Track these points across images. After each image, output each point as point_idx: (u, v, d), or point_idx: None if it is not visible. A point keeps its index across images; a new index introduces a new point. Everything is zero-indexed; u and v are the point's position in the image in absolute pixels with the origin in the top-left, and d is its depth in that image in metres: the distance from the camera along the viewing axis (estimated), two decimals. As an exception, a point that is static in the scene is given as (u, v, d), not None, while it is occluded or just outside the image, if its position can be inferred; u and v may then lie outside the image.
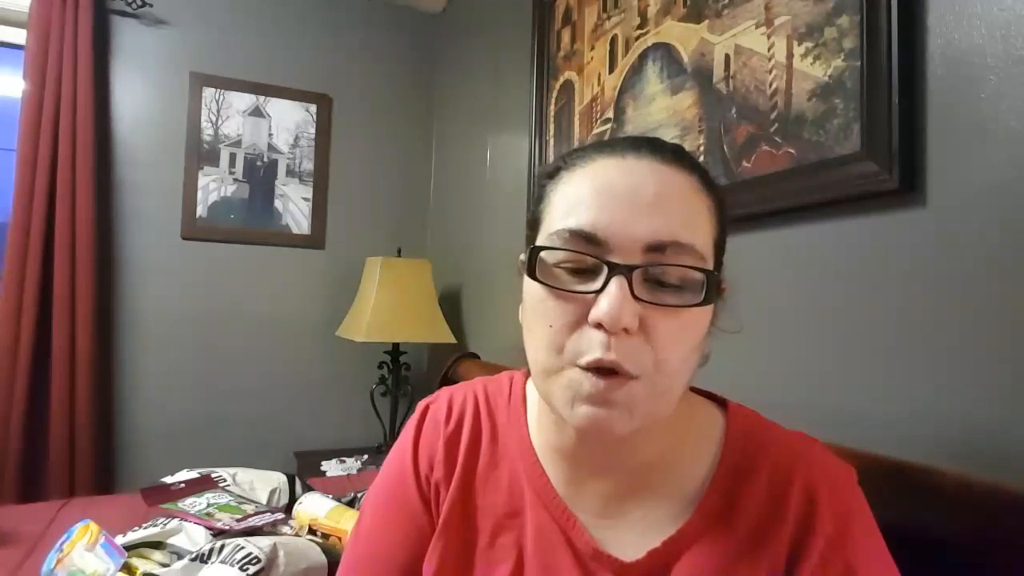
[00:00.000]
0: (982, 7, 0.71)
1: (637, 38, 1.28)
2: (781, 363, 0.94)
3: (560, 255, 0.44)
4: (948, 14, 0.74)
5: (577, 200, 0.45)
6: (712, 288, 0.43)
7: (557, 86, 1.59)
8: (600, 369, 0.41)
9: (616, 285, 0.41)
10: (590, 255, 0.43)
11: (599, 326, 0.41)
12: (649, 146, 0.47)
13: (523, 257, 0.50)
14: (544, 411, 0.53)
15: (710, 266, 0.45)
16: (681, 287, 0.43)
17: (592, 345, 0.42)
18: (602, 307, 0.41)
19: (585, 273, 0.43)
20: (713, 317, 0.47)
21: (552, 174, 0.49)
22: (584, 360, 0.42)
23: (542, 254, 0.45)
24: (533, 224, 0.50)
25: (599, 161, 0.46)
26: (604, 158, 0.46)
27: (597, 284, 0.42)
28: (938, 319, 0.74)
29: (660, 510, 0.49)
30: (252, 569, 0.87)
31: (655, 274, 0.43)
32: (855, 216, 0.85)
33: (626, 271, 0.41)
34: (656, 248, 0.42)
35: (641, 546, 0.47)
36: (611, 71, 1.37)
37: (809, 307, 0.91)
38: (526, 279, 0.47)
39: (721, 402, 0.55)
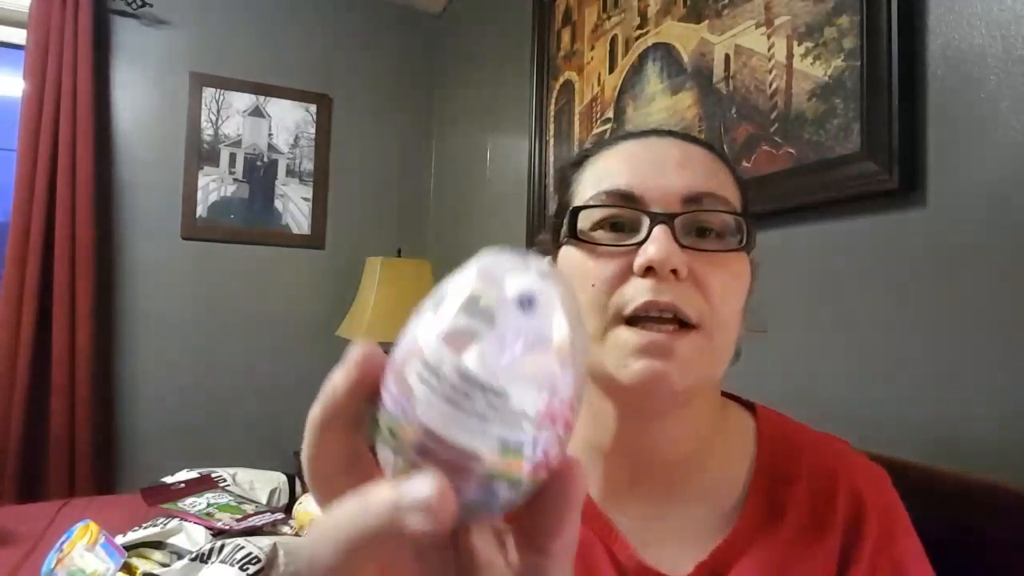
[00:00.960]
0: (982, 7, 0.71)
1: (637, 38, 1.28)
2: (780, 363, 0.94)
3: (597, 215, 0.44)
4: (948, 14, 0.74)
5: (607, 171, 0.46)
6: (752, 234, 0.44)
7: (557, 86, 1.59)
8: (650, 319, 0.40)
9: (660, 230, 0.40)
10: (629, 207, 0.43)
11: (647, 271, 0.40)
12: (670, 132, 0.49)
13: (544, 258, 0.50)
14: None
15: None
16: (721, 235, 0.43)
17: (640, 291, 0.40)
18: (649, 250, 0.40)
19: (624, 230, 0.43)
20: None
21: (578, 162, 0.50)
22: (632, 306, 0.40)
23: (579, 222, 0.44)
24: (561, 211, 0.49)
25: (624, 143, 0.48)
26: (628, 141, 0.48)
27: (640, 236, 0.42)
28: (938, 319, 0.74)
29: (700, 515, 0.47)
30: (252, 569, 0.87)
31: (694, 224, 0.43)
32: (855, 216, 0.85)
33: (668, 219, 0.41)
34: (693, 199, 0.43)
35: (687, 558, 0.45)
36: (611, 71, 1.37)
37: (808, 306, 0.91)
38: (561, 254, 0.47)
39: (748, 405, 0.53)
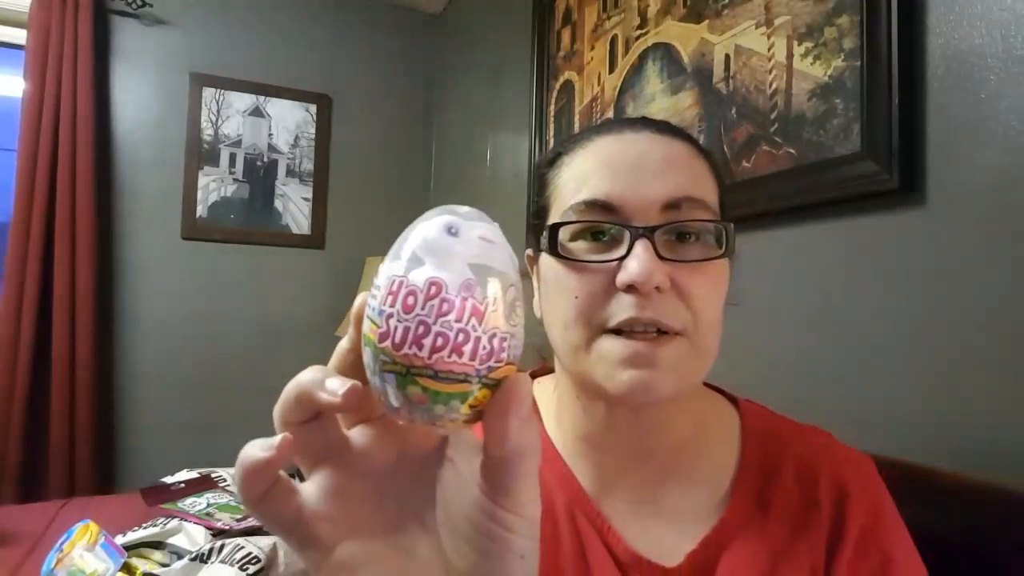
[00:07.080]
0: (982, 7, 0.71)
1: (637, 38, 1.28)
2: (780, 362, 0.94)
3: (577, 228, 0.45)
4: (948, 14, 0.74)
5: (584, 176, 0.46)
6: (732, 239, 0.45)
7: (557, 86, 1.59)
8: (635, 331, 0.41)
9: (641, 246, 0.41)
10: (609, 222, 0.44)
11: (630, 289, 0.41)
12: (643, 121, 0.48)
13: (529, 251, 0.52)
14: (566, 403, 0.51)
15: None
16: (701, 241, 0.44)
17: (623, 307, 0.42)
18: (631, 268, 0.41)
19: (604, 243, 0.44)
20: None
21: (552, 160, 0.50)
22: (615, 321, 0.42)
23: (560, 232, 0.45)
24: (540, 213, 0.50)
25: (598, 140, 0.47)
26: (602, 136, 0.48)
27: (620, 251, 0.42)
28: (937, 318, 0.74)
29: (688, 504, 0.48)
30: (252, 569, 0.87)
31: (675, 229, 0.43)
32: (855, 216, 0.85)
33: (648, 232, 0.42)
34: (672, 206, 0.43)
35: (678, 548, 0.46)
36: (611, 71, 1.37)
37: (808, 306, 0.91)
38: (542, 262, 0.48)
39: (731, 398, 0.54)
